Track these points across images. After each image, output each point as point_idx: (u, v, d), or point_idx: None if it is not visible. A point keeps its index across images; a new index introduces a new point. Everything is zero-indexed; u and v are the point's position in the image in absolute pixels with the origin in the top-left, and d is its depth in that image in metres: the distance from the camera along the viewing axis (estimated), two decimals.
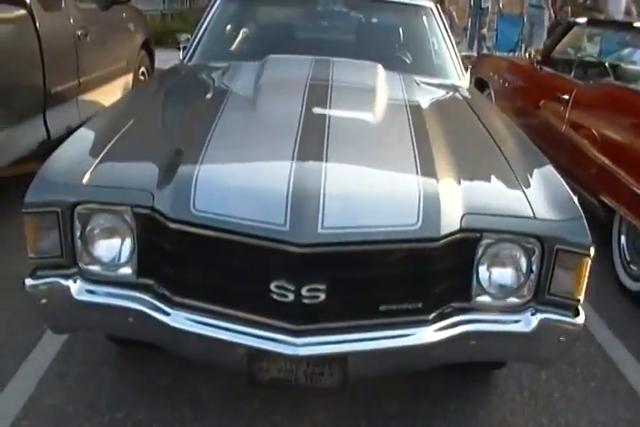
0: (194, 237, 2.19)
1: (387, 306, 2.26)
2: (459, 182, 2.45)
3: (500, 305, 2.40)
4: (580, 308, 2.43)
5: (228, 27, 4.49)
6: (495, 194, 2.53)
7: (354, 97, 3.23)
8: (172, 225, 2.20)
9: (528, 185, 2.58)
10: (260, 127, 2.79)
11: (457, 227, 2.26)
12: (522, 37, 12.30)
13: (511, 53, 10.08)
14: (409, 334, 2.26)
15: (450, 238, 2.23)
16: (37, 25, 4.54)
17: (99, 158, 2.48)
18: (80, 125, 5.23)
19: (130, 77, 6.63)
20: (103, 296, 2.35)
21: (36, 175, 2.38)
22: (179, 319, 2.25)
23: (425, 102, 3.34)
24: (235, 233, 2.14)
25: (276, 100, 3.06)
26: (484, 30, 12.41)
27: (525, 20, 12.23)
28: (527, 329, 2.37)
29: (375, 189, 2.32)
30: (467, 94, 3.87)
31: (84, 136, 2.82)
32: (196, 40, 4.16)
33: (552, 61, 6.26)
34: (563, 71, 6.02)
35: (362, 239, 2.15)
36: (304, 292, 2.14)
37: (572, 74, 5.88)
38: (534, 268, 2.36)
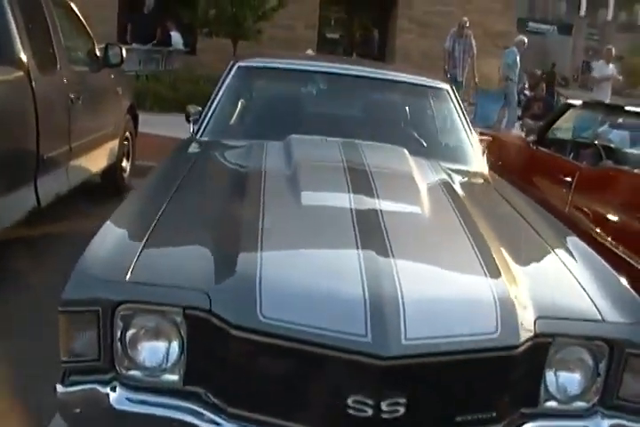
0: (259, 345, 2.00)
1: (462, 417, 2.10)
2: (524, 283, 2.33)
3: (566, 409, 2.25)
4: None
5: (241, 102, 4.31)
6: (559, 294, 2.39)
7: (397, 186, 3.16)
8: (235, 332, 1.98)
9: (586, 282, 2.46)
10: (311, 219, 2.66)
11: (532, 333, 2.12)
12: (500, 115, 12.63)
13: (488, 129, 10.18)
14: None
15: (526, 345, 2.10)
16: (34, 87, 4.34)
17: (139, 250, 2.25)
18: (69, 193, 5.09)
19: (116, 143, 6.40)
20: (146, 405, 2.09)
21: (75, 270, 2.14)
22: None
23: (460, 192, 3.24)
24: (309, 343, 1.95)
25: (319, 189, 2.96)
26: (465, 104, 12.63)
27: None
28: None
29: (449, 294, 2.20)
30: (492, 181, 3.80)
31: (119, 224, 2.54)
32: (209, 114, 3.97)
33: (547, 142, 6.32)
34: (559, 152, 6.05)
35: (446, 350, 2.00)
36: (384, 407, 1.95)
37: (571, 155, 5.93)
38: (602, 371, 2.22)
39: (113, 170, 6.43)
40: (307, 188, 2.86)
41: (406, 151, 3.55)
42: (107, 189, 6.42)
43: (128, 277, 2.10)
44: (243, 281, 2.09)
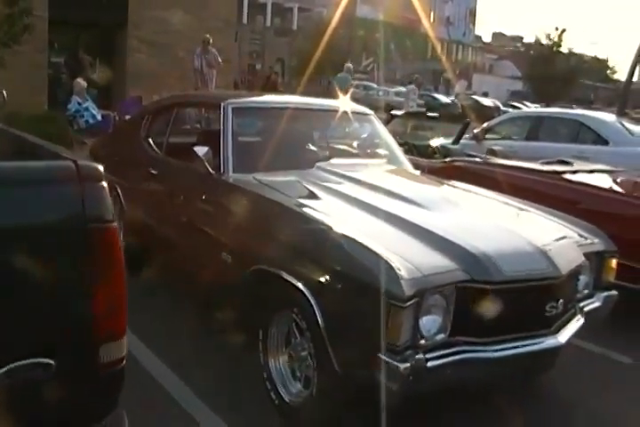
0: (503, 291, 3.22)
1: (570, 304, 3.70)
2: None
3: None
4: None
5: (247, 139, 4.98)
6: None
7: (429, 182, 5.03)
8: (492, 287, 3.18)
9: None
10: (436, 210, 3.87)
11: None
12: None
13: None
14: None
15: None
16: None
17: (394, 255, 3.13)
18: None
19: None
20: (442, 358, 3.09)
21: (398, 275, 2.98)
22: (497, 352, 3.23)
23: (446, 182, 4.98)
24: (530, 280, 3.34)
25: (407, 194, 4.11)
26: None
27: None
28: None
29: (541, 240, 3.62)
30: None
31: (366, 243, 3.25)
32: (229, 153, 4.49)
33: None
34: None
35: (569, 270, 3.55)
36: (558, 304, 3.43)
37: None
38: None
39: None
40: (401, 193, 4.09)
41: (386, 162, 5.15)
42: None
43: (421, 273, 3.05)
44: (481, 257, 3.25)
